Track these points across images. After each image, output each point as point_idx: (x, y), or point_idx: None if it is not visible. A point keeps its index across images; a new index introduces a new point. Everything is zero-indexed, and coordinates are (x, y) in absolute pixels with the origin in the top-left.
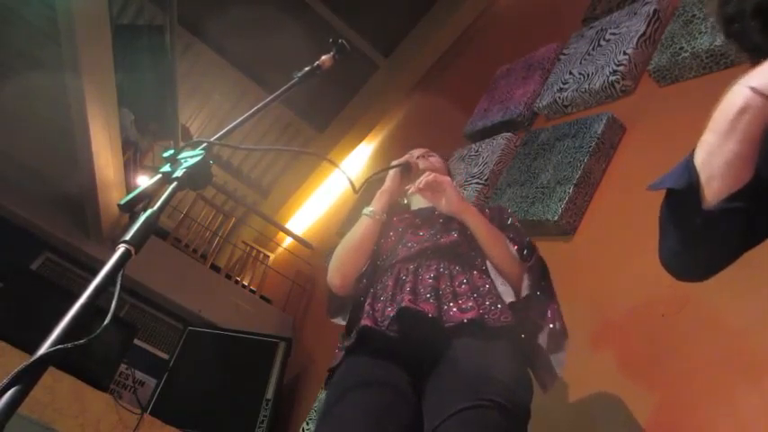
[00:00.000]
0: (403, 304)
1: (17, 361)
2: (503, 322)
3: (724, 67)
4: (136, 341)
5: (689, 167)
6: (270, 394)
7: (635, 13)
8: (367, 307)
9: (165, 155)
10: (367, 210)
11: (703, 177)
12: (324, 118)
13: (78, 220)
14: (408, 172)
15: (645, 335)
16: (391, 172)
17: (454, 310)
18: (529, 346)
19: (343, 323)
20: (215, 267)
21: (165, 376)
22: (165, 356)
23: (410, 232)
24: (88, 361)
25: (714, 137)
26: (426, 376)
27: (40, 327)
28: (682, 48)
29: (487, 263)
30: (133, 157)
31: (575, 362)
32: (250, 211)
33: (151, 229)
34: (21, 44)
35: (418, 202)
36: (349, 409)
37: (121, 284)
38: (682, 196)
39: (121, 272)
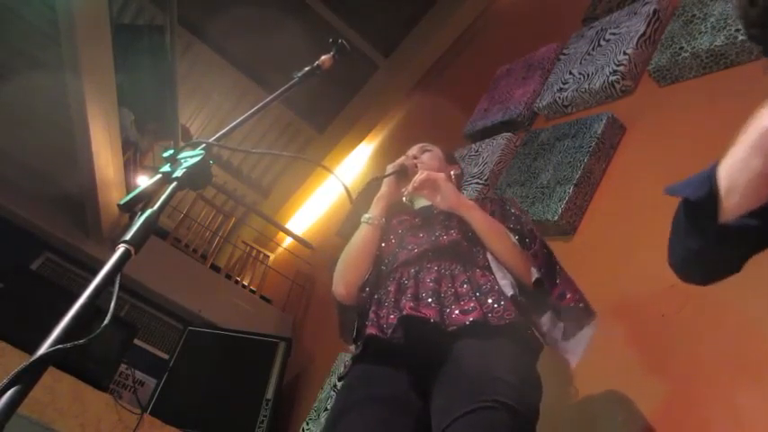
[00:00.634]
0: (404, 312)
1: (17, 361)
2: (506, 320)
3: (724, 67)
4: (136, 341)
5: (711, 178)
6: (270, 394)
7: (635, 13)
8: (372, 314)
9: (165, 155)
10: (365, 216)
11: (723, 190)
12: (324, 118)
13: (78, 220)
14: (405, 174)
15: (645, 335)
16: (387, 180)
17: (456, 312)
18: (542, 337)
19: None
20: (215, 267)
21: (165, 376)
22: (165, 356)
23: (410, 234)
24: (88, 361)
25: (740, 152)
26: (433, 379)
27: (40, 327)
28: (682, 48)
29: (489, 257)
30: (133, 157)
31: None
32: (250, 211)
33: (151, 229)
34: (21, 44)
35: (421, 201)
36: (355, 422)
37: (121, 284)
38: (699, 205)
39: (120, 272)
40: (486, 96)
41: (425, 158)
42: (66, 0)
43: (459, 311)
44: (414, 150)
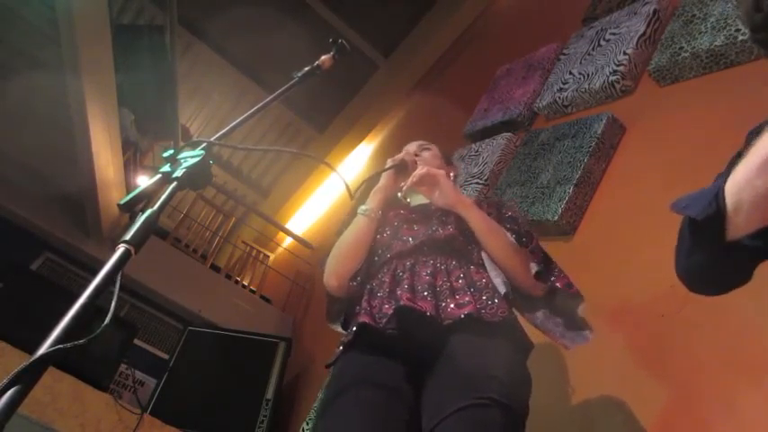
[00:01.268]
0: (401, 302)
1: (17, 361)
2: (500, 317)
3: (724, 67)
4: (136, 341)
5: (718, 195)
6: (270, 394)
7: (635, 13)
8: (364, 303)
9: (165, 155)
10: (362, 208)
11: (731, 208)
12: (324, 118)
13: (78, 220)
14: (404, 169)
15: (645, 335)
16: (385, 173)
17: (452, 306)
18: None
19: (341, 330)
20: (215, 267)
21: (165, 376)
22: (165, 356)
23: (405, 227)
24: (88, 361)
25: (747, 170)
26: (425, 373)
27: (40, 327)
28: (682, 48)
29: (484, 256)
30: (133, 157)
31: (574, 361)
32: (250, 211)
33: (151, 229)
34: (21, 44)
35: (418, 199)
36: (348, 408)
37: (121, 284)
38: (707, 224)
39: (120, 272)
40: (486, 96)
41: (426, 156)
42: (66, 0)
43: (455, 305)
44: (412, 147)
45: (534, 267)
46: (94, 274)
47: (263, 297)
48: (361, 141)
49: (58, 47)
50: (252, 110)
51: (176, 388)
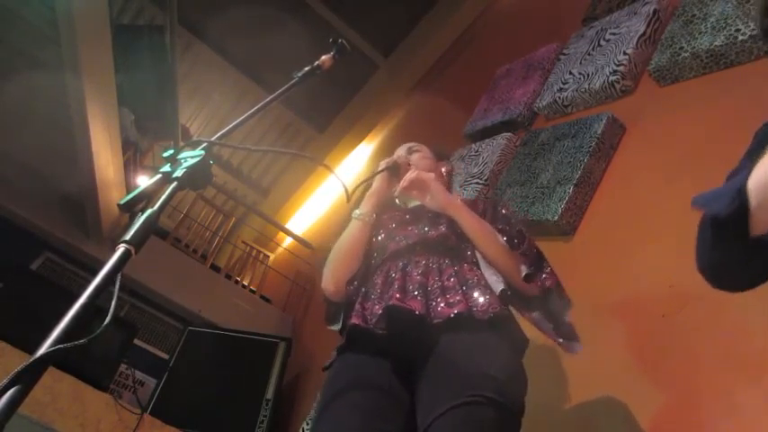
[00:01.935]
0: (390, 302)
1: (17, 361)
2: (491, 313)
3: (724, 67)
4: (136, 341)
5: (741, 192)
6: (270, 394)
7: (635, 13)
8: (357, 306)
9: (165, 155)
10: (356, 212)
11: (755, 204)
12: (324, 118)
13: (78, 220)
14: (397, 171)
15: (645, 335)
16: (379, 176)
17: (442, 305)
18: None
19: (338, 329)
20: (215, 267)
21: (165, 376)
22: (165, 356)
23: (399, 228)
24: (88, 361)
25: (767, 167)
26: (417, 373)
27: (40, 327)
28: (682, 48)
29: (477, 254)
30: (133, 157)
31: (575, 361)
32: (250, 211)
33: (151, 229)
34: (21, 44)
35: (414, 202)
36: (342, 412)
37: (122, 284)
38: (730, 220)
39: (120, 272)
40: (486, 96)
41: (414, 160)
42: (66, 0)
43: (445, 304)
44: (401, 151)
45: (524, 270)
46: (94, 274)
47: (263, 297)
48: (361, 141)
49: (57, 47)
50: (252, 110)
51: (176, 388)
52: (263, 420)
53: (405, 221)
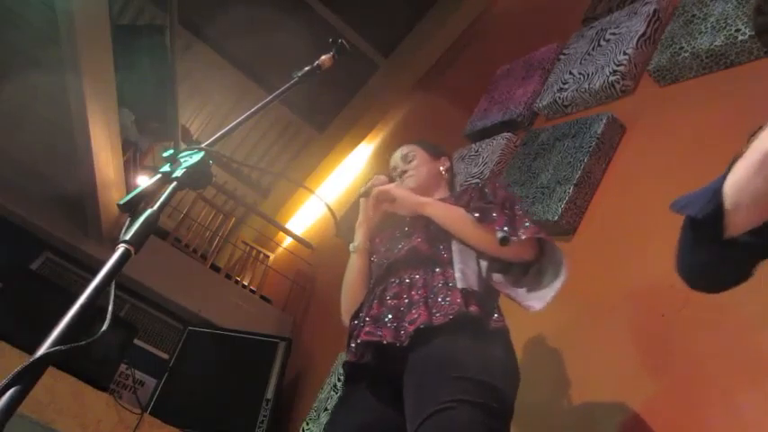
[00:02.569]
0: (359, 340)
1: (17, 361)
2: (450, 316)
3: (724, 67)
4: (136, 341)
5: (716, 194)
6: (270, 394)
7: (635, 13)
8: (351, 341)
9: (165, 155)
10: (351, 246)
11: (729, 206)
12: (324, 118)
13: (78, 220)
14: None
15: (645, 335)
16: (361, 203)
17: (406, 324)
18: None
19: None
20: (215, 267)
21: (165, 376)
22: (165, 356)
23: (384, 250)
24: (88, 361)
25: (745, 169)
26: (401, 391)
27: (40, 327)
28: (682, 48)
29: (453, 247)
30: (133, 157)
31: (575, 361)
32: (250, 211)
33: (151, 229)
34: (21, 44)
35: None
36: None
37: (122, 284)
38: (706, 222)
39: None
40: (486, 96)
41: (412, 168)
42: (66, 0)
43: (409, 322)
44: (397, 162)
45: (499, 234)
46: (94, 274)
47: (263, 297)
48: (361, 141)
49: (57, 47)
50: (252, 110)
51: (176, 388)
52: (263, 420)
53: (394, 239)
